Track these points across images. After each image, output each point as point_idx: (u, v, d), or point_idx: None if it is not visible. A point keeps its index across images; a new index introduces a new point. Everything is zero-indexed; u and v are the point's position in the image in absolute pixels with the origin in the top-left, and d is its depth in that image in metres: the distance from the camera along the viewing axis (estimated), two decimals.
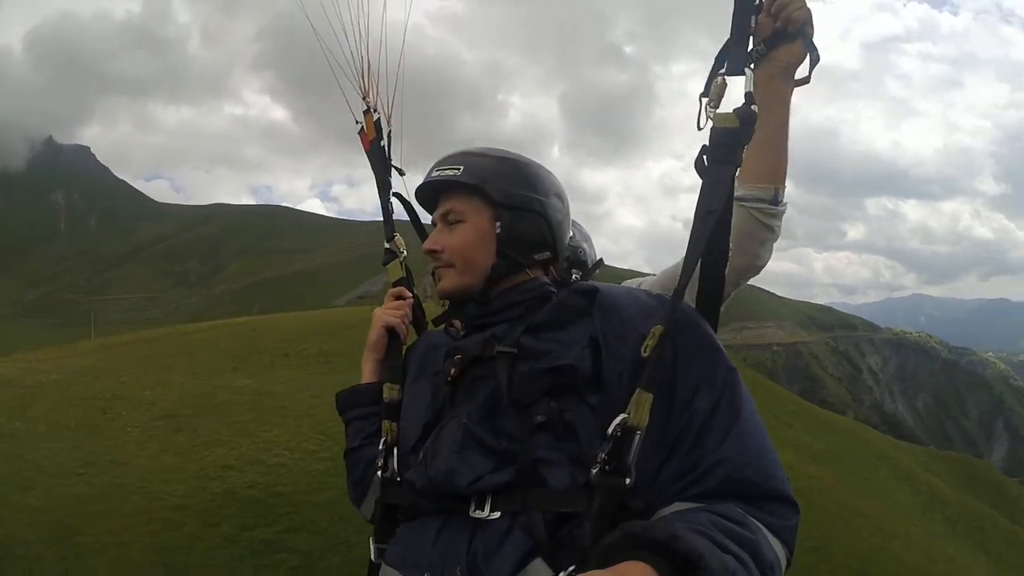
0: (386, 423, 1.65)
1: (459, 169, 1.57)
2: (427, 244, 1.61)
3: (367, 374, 1.83)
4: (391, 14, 2.02)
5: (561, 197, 1.66)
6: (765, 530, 1.17)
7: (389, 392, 1.69)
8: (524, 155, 1.66)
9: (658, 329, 1.23)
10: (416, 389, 1.65)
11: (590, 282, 1.62)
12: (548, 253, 1.63)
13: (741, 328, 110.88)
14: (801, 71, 1.67)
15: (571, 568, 1.18)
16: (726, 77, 1.39)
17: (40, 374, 13.75)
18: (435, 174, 1.61)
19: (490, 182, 1.55)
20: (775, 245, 1.77)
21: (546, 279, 1.64)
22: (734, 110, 1.36)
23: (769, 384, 30.86)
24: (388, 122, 2.11)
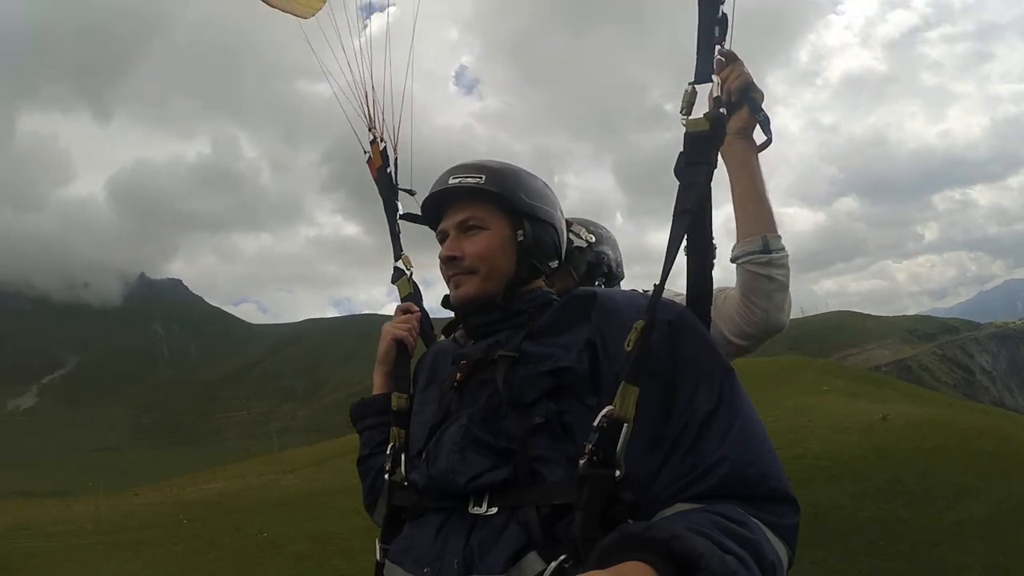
0: (394, 430, 1.70)
1: (481, 177, 1.58)
2: (445, 251, 1.62)
3: (378, 385, 1.90)
4: (395, 52, 2.18)
5: (561, 210, 1.72)
6: (766, 530, 1.17)
7: (397, 401, 1.75)
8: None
9: (639, 323, 1.26)
10: (426, 396, 1.69)
11: (590, 287, 1.62)
12: (558, 262, 1.71)
13: (845, 356, 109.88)
14: (762, 135, 1.83)
15: (562, 557, 1.21)
16: (695, 85, 1.47)
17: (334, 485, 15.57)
18: (454, 181, 1.61)
19: (513, 191, 1.59)
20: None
21: (548, 288, 1.70)
22: (704, 114, 1.44)
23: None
24: (394, 150, 2.24)
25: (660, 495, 1.22)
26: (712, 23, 1.47)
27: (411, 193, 2.18)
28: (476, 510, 1.36)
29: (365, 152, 2.26)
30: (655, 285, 1.32)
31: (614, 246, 2.41)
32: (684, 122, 1.43)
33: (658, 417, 1.26)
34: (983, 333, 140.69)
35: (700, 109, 1.48)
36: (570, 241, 2.18)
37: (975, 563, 7.78)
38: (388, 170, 2.24)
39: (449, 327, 1.81)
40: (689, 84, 1.47)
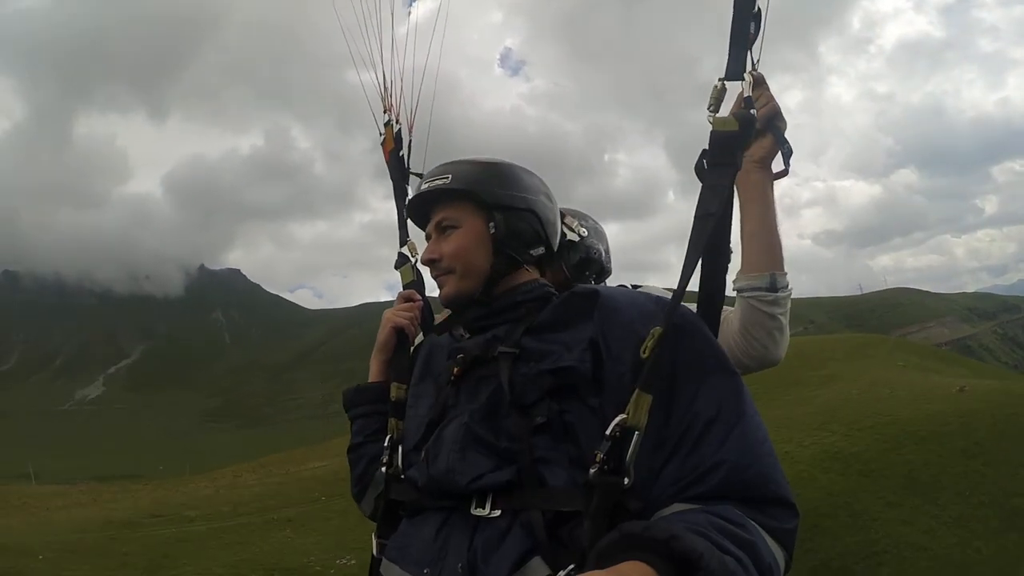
0: (392, 421, 1.67)
1: (447, 178, 1.59)
2: (424, 255, 1.65)
3: (374, 373, 1.86)
4: (421, 35, 2.12)
5: (550, 197, 1.68)
6: (763, 532, 1.17)
7: (396, 391, 1.72)
8: (508, 160, 1.68)
9: (657, 330, 1.25)
10: (420, 389, 1.66)
11: (592, 285, 1.60)
12: (543, 249, 1.66)
13: (905, 335, 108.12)
14: (778, 164, 1.73)
15: (570, 567, 1.19)
16: (725, 82, 1.42)
17: None
18: (424, 186, 1.64)
19: (479, 185, 1.57)
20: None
21: (544, 280, 1.66)
22: (732, 114, 1.40)
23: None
24: (410, 132, 2.19)
25: (660, 496, 1.22)
26: (747, 18, 1.42)
27: (420, 176, 2.06)
28: (479, 512, 1.34)
29: (380, 134, 2.22)
30: (674, 290, 1.31)
31: (603, 239, 2.39)
32: (711, 119, 1.40)
33: (660, 418, 1.24)
34: None
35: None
36: (563, 235, 2.11)
37: None
38: (400, 153, 2.20)
39: (443, 324, 1.79)
40: (719, 80, 1.43)
